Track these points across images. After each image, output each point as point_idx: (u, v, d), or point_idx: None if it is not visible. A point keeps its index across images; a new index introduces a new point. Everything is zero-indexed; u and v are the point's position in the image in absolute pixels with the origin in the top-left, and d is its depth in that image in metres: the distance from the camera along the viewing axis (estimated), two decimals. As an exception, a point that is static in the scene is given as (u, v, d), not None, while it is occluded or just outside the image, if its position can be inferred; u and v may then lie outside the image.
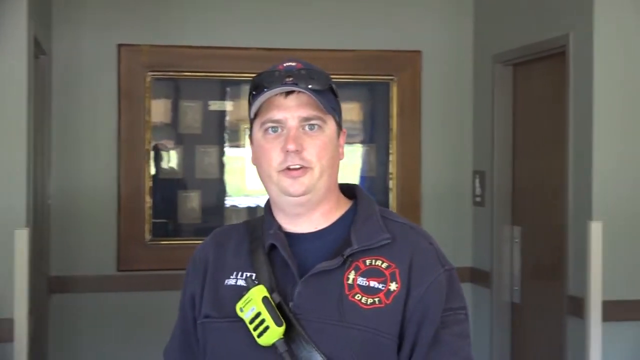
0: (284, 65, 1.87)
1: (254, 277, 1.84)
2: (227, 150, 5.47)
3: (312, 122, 1.84)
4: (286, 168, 1.82)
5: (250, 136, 1.93)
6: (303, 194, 1.84)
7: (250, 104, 1.89)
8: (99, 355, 5.23)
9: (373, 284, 1.80)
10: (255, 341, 1.77)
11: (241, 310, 1.79)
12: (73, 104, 5.19)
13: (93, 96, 5.23)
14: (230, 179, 5.49)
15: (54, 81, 5.11)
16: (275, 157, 1.83)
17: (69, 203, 5.18)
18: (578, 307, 4.21)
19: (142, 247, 5.28)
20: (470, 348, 1.86)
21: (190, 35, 5.31)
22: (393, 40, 5.52)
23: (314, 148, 1.83)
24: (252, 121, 1.91)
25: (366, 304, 1.79)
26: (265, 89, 1.82)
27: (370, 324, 1.78)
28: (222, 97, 5.47)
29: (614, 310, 4.15)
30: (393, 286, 1.80)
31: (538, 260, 4.90)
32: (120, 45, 5.22)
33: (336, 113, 1.89)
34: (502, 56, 5.19)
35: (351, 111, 5.59)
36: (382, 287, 1.80)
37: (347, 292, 1.80)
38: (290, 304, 1.80)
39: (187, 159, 5.41)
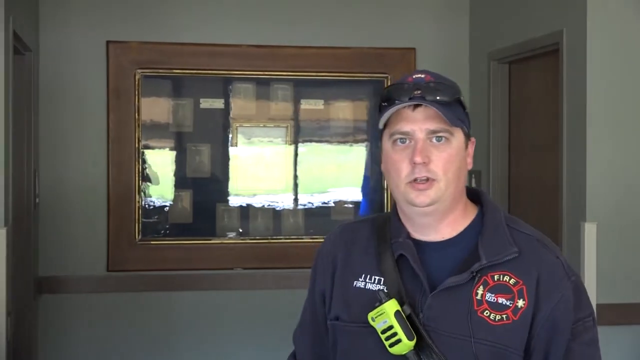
0: (413, 77, 1.93)
1: (382, 283, 1.92)
2: (219, 148, 5.40)
3: (439, 134, 1.89)
4: (413, 180, 1.88)
5: (381, 145, 2.00)
6: (428, 205, 1.89)
7: (380, 115, 1.96)
8: (88, 356, 5.18)
9: (501, 300, 1.86)
10: (386, 348, 1.84)
11: (373, 319, 1.86)
12: (61, 101, 5.15)
13: (81, 94, 5.18)
14: (222, 178, 5.42)
15: (42, 78, 5.05)
16: (403, 169, 1.89)
17: (57, 202, 5.13)
18: (572, 310, 4.14)
19: (132, 247, 5.23)
20: (599, 352, 1.93)
21: (181, 31, 5.26)
22: (387, 38, 5.47)
23: (440, 161, 1.88)
24: (381, 131, 1.97)
25: (494, 321, 1.84)
26: (395, 102, 1.89)
27: (498, 339, 1.84)
28: (215, 95, 5.39)
29: (609, 314, 4.09)
30: (520, 303, 1.85)
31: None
32: (109, 42, 5.17)
33: (464, 124, 1.93)
34: (498, 53, 5.15)
35: (345, 109, 5.53)
36: (510, 304, 1.85)
37: (476, 308, 1.85)
38: (420, 315, 1.87)
39: (177, 158, 5.34)
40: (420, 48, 5.49)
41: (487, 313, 1.85)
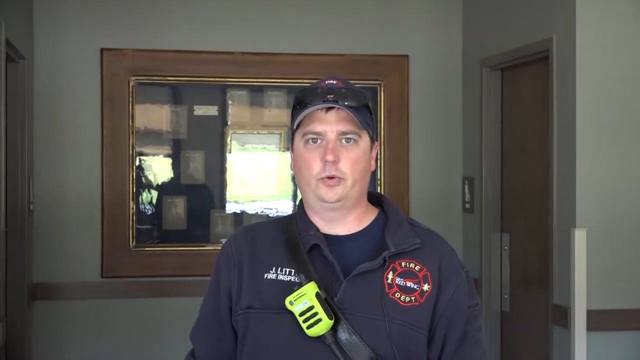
0: (326, 83, 2.05)
1: (293, 273, 2.01)
2: (213, 155, 5.41)
3: (349, 136, 2.02)
4: (325, 177, 2.01)
5: (292, 145, 2.12)
6: (337, 201, 2.02)
7: (293, 117, 2.09)
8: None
9: (409, 284, 2.01)
10: (300, 332, 1.95)
11: (291, 303, 1.95)
12: (56, 108, 5.16)
13: (76, 101, 5.19)
14: (216, 185, 5.43)
15: (36, 86, 5.08)
16: (315, 166, 2.02)
17: (51, 209, 5.14)
18: (563, 316, 4.17)
19: (126, 253, 5.24)
20: (484, 339, 2.15)
21: (174, 39, 5.27)
22: (381, 45, 5.49)
23: (349, 160, 2.01)
24: (294, 132, 2.10)
25: (405, 302, 1.99)
26: (308, 105, 2.01)
27: (408, 319, 1.98)
28: (209, 102, 5.40)
29: (600, 320, 4.11)
30: (426, 287, 2.01)
31: (526, 269, 4.84)
32: (103, 50, 5.19)
33: (370, 128, 2.07)
34: (490, 60, 5.15)
35: (339, 116, 5.53)
36: (417, 287, 2.01)
37: (387, 291, 2.00)
38: (335, 299, 1.98)
39: (171, 164, 5.36)
40: (414, 55, 5.50)
41: (397, 295, 1.99)
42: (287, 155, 5.43)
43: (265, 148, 5.49)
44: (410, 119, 5.50)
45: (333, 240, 2.05)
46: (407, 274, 2.01)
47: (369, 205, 2.13)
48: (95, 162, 5.19)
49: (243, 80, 5.38)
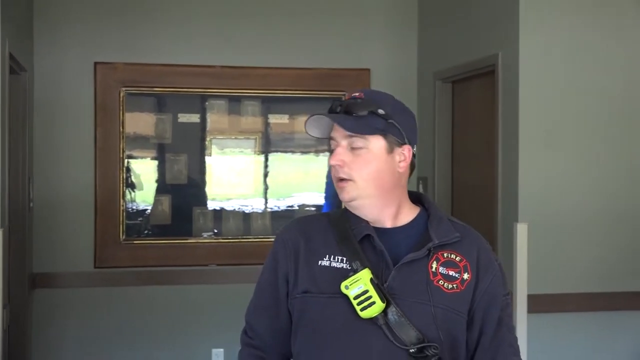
0: (351, 95, 2.04)
1: (344, 261, 2.00)
2: (195, 158, 5.46)
3: (353, 141, 2.00)
4: (337, 179, 2.02)
5: None
6: (350, 200, 2.03)
7: None
8: (77, 344, 5.22)
9: (451, 273, 2.01)
10: (353, 314, 1.94)
11: (346, 287, 1.94)
12: (54, 116, 5.18)
13: (72, 109, 5.22)
14: (197, 185, 5.48)
15: (36, 95, 5.10)
16: (333, 170, 2.04)
17: (49, 206, 5.17)
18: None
19: (117, 246, 5.27)
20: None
21: (161, 54, 5.32)
22: (345, 60, 5.55)
23: (355, 163, 1.99)
24: None
25: (448, 289, 1.99)
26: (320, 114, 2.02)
27: (451, 304, 1.99)
28: (191, 111, 5.44)
29: (540, 303, 4.17)
30: (466, 276, 2.01)
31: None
32: (96, 63, 5.22)
33: (384, 132, 2.00)
34: (442, 74, 5.20)
35: (308, 123, 5.59)
36: (458, 276, 2.01)
37: (432, 278, 1.99)
38: (385, 285, 1.97)
39: (157, 166, 5.40)
40: (374, 69, 5.57)
41: (441, 282, 1.99)
42: (262, 158, 5.51)
43: (242, 152, 5.55)
44: (371, 126, 5.54)
45: (381, 232, 2.04)
46: (449, 264, 2.01)
47: (411, 203, 2.11)
48: (89, 164, 5.21)
49: (222, 91, 5.43)
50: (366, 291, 1.93)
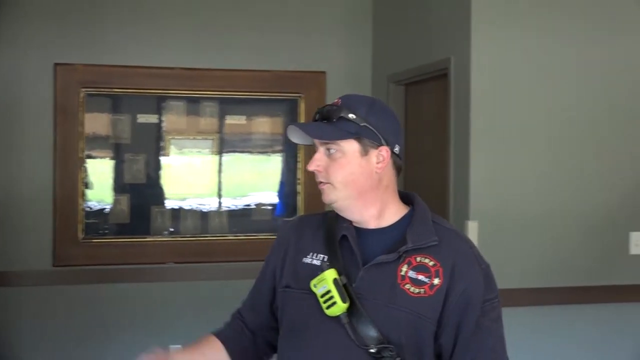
0: (333, 101, 2.09)
1: (326, 260, 2.04)
2: (154, 158, 5.47)
3: (329, 147, 2.04)
4: (318, 183, 2.07)
5: None
6: (330, 202, 2.07)
7: None
8: (35, 343, 5.18)
9: (421, 277, 1.99)
10: (322, 311, 1.98)
11: (315, 286, 1.99)
12: (14, 116, 5.15)
13: (32, 109, 5.18)
14: (156, 184, 5.49)
15: (-4, 95, 5.08)
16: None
17: (9, 206, 5.13)
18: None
19: (76, 244, 5.25)
20: (502, 329, 2.07)
21: (121, 55, 5.31)
22: (301, 62, 5.59)
23: (331, 168, 2.03)
24: None
25: (414, 293, 1.98)
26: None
27: (415, 308, 1.97)
28: (151, 111, 5.45)
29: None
30: (436, 281, 1.98)
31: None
32: (56, 64, 5.20)
33: (357, 136, 2.02)
34: (395, 77, 5.27)
35: (265, 124, 5.65)
36: (428, 280, 1.98)
37: (399, 282, 1.99)
38: (354, 285, 1.99)
39: (116, 166, 5.39)
40: (330, 71, 5.62)
41: (408, 286, 1.98)
42: (219, 158, 5.54)
43: (199, 152, 5.57)
44: (327, 127, 5.60)
45: (363, 232, 2.06)
46: (420, 268, 1.99)
47: (400, 203, 2.13)
48: (48, 163, 5.19)
49: (181, 92, 5.44)
50: (329, 291, 1.97)
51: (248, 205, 5.62)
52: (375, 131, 2.04)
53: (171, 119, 5.48)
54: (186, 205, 5.51)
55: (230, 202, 5.60)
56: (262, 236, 5.53)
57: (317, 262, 2.06)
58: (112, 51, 5.30)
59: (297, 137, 2.10)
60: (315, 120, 2.08)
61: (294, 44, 5.60)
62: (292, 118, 5.63)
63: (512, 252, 4.34)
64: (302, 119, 5.57)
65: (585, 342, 4.47)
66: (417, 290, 1.98)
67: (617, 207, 4.48)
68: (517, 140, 4.36)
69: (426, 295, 1.97)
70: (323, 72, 5.62)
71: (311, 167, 2.06)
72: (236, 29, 5.51)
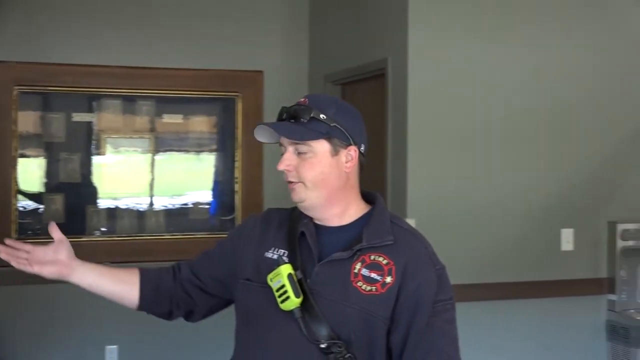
0: (300, 101, 2.08)
1: (284, 255, 2.05)
2: (89, 157, 5.37)
3: (298, 147, 2.03)
4: (288, 182, 2.07)
5: None
6: (299, 201, 2.07)
7: None
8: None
9: (373, 275, 1.99)
10: (278, 305, 1.99)
11: (271, 280, 2.01)
12: (-56, 114, 5.00)
13: (-37, 107, 5.04)
14: (91, 183, 5.39)
15: None
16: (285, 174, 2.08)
17: (-61, 205, 4.98)
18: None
19: (9, 245, 5.11)
20: (456, 330, 2.05)
21: (55, 53, 5.20)
22: (239, 61, 5.55)
23: (302, 167, 2.04)
24: None
25: (365, 291, 1.98)
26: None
27: (367, 306, 1.97)
28: (86, 110, 5.35)
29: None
30: (389, 279, 1.98)
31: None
32: (-10, 61, 5.08)
33: (327, 136, 2.03)
34: (332, 76, 5.28)
35: (202, 123, 5.60)
36: (380, 279, 1.98)
37: (352, 279, 1.99)
38: (308, 280, 2.01)
39: (51, 165, 5.28)
40: (267, 71, 5.60)
41: (360, 284, 1.98)
42: (157, 157, 5.47)
43: (136, 150, 5.50)
44: (264, 126, 5.59)
45: (323, 230, 2.08)
46: (373, 266, 2.00)
47: (362, 201, 2.13)
48: (-19, 162, 5.07)
49: (116, 91, 5.36)
50: (283, 285, 1.97)
51: (186, 204, 5.56)
52: (345, 131, 2.06)
53: (107, 118, 5.39)
54: (122, 204, 5.43)
55: (168, 201, 5.52)
56: (199, 235, 5.48)
57: (276, 257, 2.06)
58: (48, 49, 5.19)
59: (263, 136, 2.08)
60: (282, 120, 2.05)
61: (232, 43, 5.55)
62: (230, 117, 5.58)
63: (448, 249, 4.27)
64: (239, 118, 5.54)
65: (518, 336, 4.53)
66: (368, 288, 1.97)
67: (550, 206, 4.57)
68: (453, 140, 4.41)
69: (377, 293, 1.97)
70: (260, 72, 5.59)
71: (281, 166, 2.04)
72: (173, 28, 5.45)
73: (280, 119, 2.07)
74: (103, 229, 5.36)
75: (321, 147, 2.04)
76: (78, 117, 5.32)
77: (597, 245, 4.63)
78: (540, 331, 4.55)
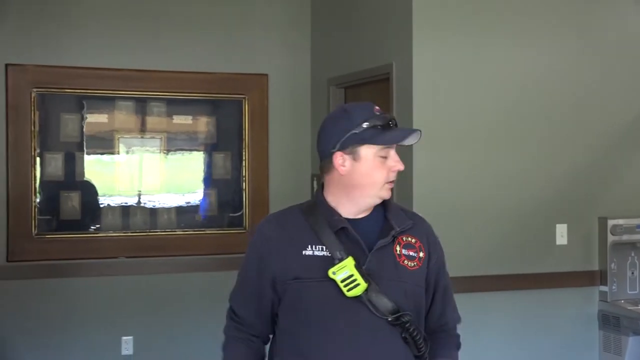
0: (380, 111, 2.26)
1: (325, 249, 2.14)
2: (102, 156, 5.33)
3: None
4: (392, 182, 2.23)
5: (347, 152, 2.20)
6: (389, 197, 2.27)
7: (372, 133, 2.17)
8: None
9: (411, 253, 2.23)
10: (339, 294, 2.11)
11: (334, 273, 2.11)
12: (-35, 116, 4.95)
13: (-16, 110, 5.00)
14: (107, 181, 5.35)
15: (-51, 96, 4.86)
16: (384, 174, 2.20)
17: (-39, 203, 4.94)
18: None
19: (29, 240, 5.10)
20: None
21: (72, 57, 5.18)
22: (245, 65, 5.54)
23: None
24: (358, 142, 2.18)
25: (411, 267, 2.22)
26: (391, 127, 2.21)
27: (414, 280, 2.23)
28: (99, 111, 5.31)
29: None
30: (421, 254, 2.25)
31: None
32: (8, 65, 5.03)
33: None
34: (335, 80, 5.26)
35: (208, 124, 5.57)
36: (415, 255, 2.24)
37: (398, 260, 2.21)
38: (364, 267, 2.14)
39: (68, 164, 5.23)
40: (272, 74, 5.59)
41: (406, 262, 2.22)
42: (167, 156, 5.43)
43: (148, 150, 5.46)
44: (269, 127, 5.60)
45: (352, 223, 2.20)
46: (408, 246, 2.23)
47: None
48: (1, 162, 5.02)
49: (129, 93, 5.33)
50: (351, 275, 2.11)
51: (194, 201, 5.53)
52: None
53: (120, 119, 5.36)
54: (136, 202, 5.40)
55: (178, 198, 5.49)
56: (208, 231, 5.47)
57: (319, 253, 2.16)
58: (63, 53, 5.17)
59: (409, 140, 2.21)
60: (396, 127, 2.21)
61: (238, 48, 5.54)
62: (237, 119, 5.55)
63: (449, 243, 4.21)
64: (246, 119, 5.53)
65: (515, 325, 4.56)
66: (412, 264, 2.22)
67: (545, 201, 4.59)
68: (454, 141, 4.42)
69: (418, 267, 2.23)
70: (265, 75, 5.58)
71: (403, 167, 2.22)
72: (184, 34, 5.43)
73: (395, 125, 2.21)
74: (118, 226, 5.33)
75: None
76: (92, 118, 5.28)
77: (589, 239, 4.67)
78: (536, 320, 4.58)
